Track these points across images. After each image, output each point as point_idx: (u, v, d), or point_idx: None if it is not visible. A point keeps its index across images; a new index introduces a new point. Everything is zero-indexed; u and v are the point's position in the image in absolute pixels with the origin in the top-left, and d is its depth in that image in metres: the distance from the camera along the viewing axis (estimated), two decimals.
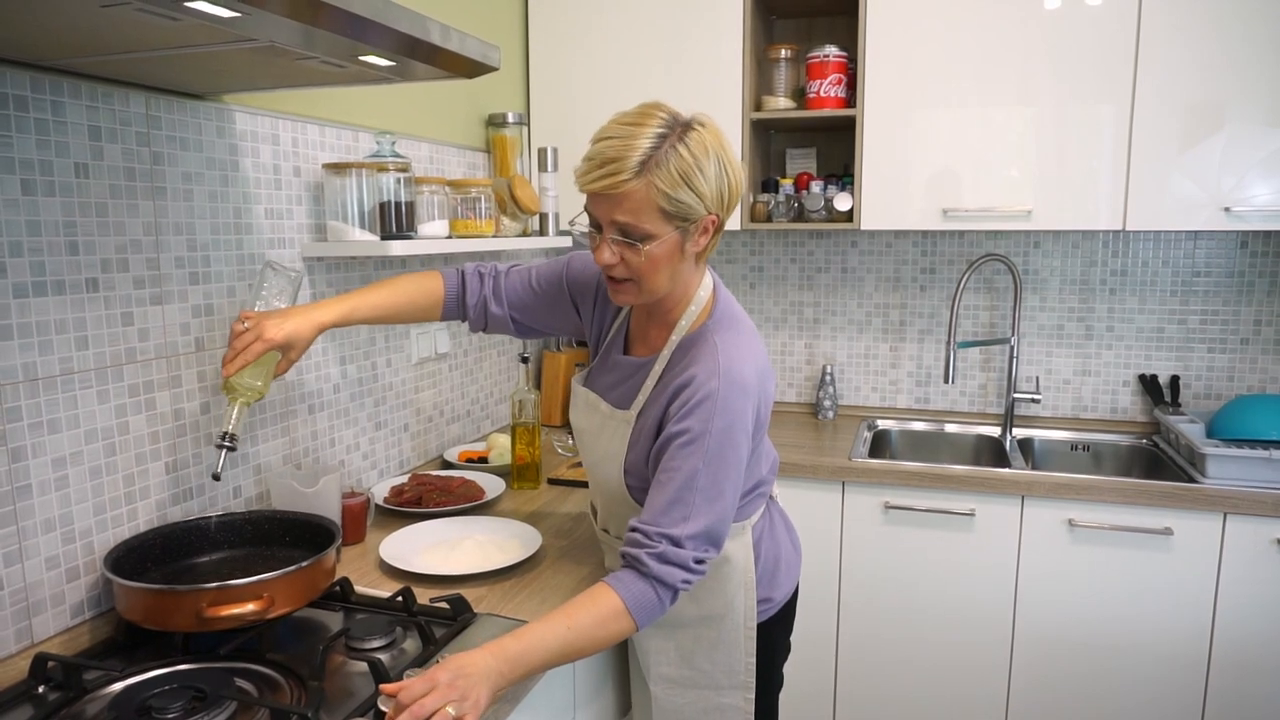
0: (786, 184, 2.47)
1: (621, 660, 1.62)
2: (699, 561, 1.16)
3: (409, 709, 0.95)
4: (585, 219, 1.20)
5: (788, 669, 1.52)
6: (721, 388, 1.16)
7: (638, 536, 1.16)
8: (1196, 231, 2.38)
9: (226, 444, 1.26)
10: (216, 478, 1.25)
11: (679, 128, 1.14)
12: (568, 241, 2.24)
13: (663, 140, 1.12)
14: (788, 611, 1.46)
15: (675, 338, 1.26)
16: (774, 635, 1.42)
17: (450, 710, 0.97)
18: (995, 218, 2.21)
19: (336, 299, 1.35)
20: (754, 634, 1.35)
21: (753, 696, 1.37)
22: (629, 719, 1.65)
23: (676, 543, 1.14)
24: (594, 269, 1.38)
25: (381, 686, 1.01)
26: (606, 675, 1.56)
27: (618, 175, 1.10)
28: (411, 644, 1.23)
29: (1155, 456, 2.29)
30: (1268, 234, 2.35)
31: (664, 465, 1.18)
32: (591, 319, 1.42)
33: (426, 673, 1.00)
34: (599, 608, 1.11)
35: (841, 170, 2.59)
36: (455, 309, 1.46)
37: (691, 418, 1.16)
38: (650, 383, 1.27)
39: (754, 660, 1.36)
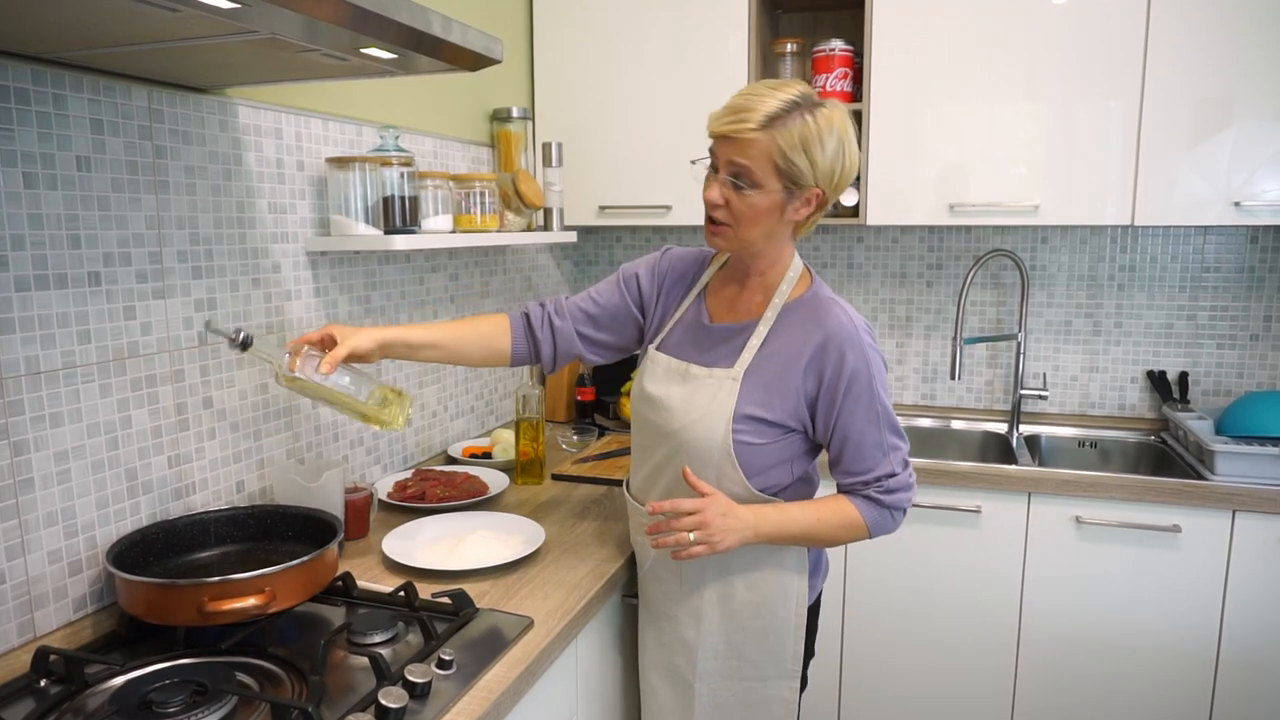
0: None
1: (630, 659, 1.61)
2: (911, 475, 1.31)
3: (671, 507, 1.20)
4: (707, 160, 1.29)
5: None
6: (862, 334, 1.28)
7: (856, 485, 1.30)
8: (1206, 227, 2.36)
9: (239, 340, 1.25)
10: (242, 345, 1.25)
11: (812, 103, 1.23)
12: (572, 237, 2.23)
13: (795, 108, 1.21)
14: (817, 603, 1.47)
15: (778, 301, 1.33)
16: (812, 623, 1.45)
17: (691, 536, 1.19)
18: (1002, 213, 2.19)
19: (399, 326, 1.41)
20: (804, 619, 1.38)
21: (798, 685, 1.39)
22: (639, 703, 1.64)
23: (892, 475, 1.29)
24: (646, 267, 1.48)
25: (654, 505, 1.23)
26: (607, 675, 1.56)
27: (745, 123, 1.20)
28: (414, 639, 1.22)
29: (1163, 453, 2.28)
30: (1278, 229, 2.33)
31: (843, 421, 1.28)
32: (655, 307, 1.47)
33: (706, 495, 1.23)
34: (844, 515, 1.29)
35: None
36: (524, 340, 1.48)
37: (849, 363, 1.25)
38: (755, 342, 1.31)
39: (802, 647, 1.39)
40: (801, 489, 1.37)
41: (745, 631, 1.37)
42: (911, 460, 1.33)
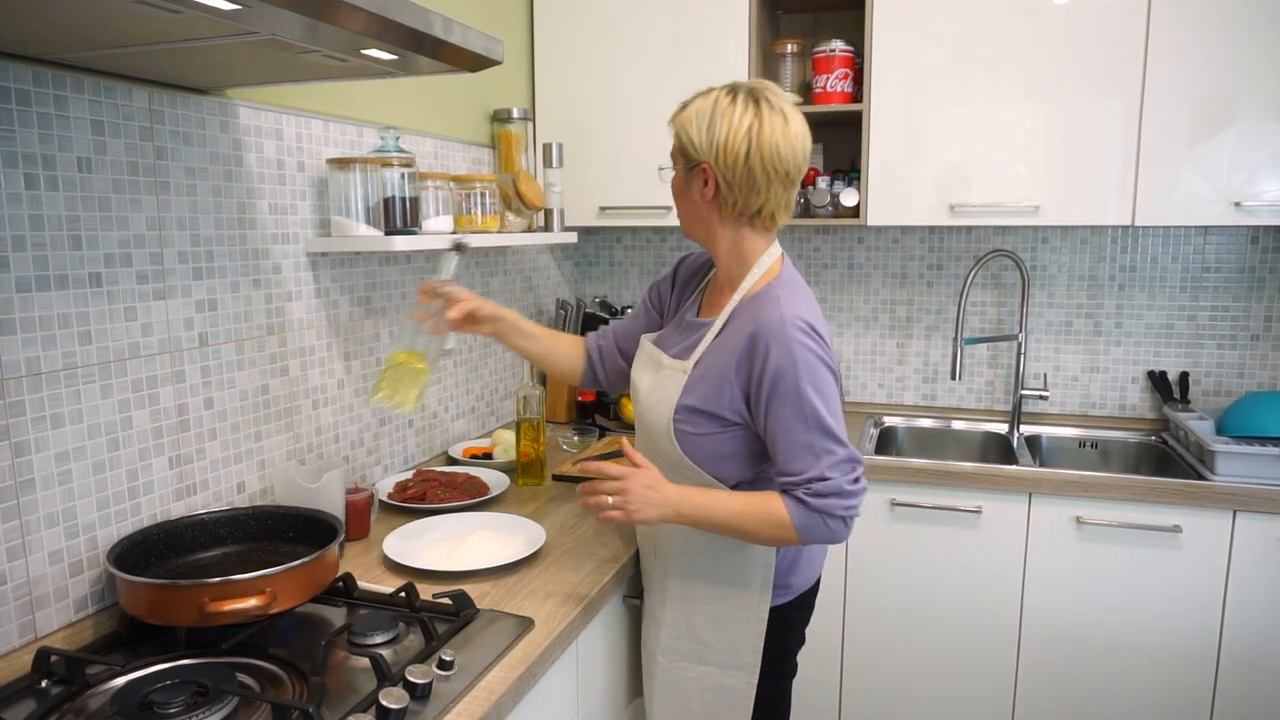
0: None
1: (629, 659, 1.61)
2: (853, 483, 1.25)
3: (596, 470, 1.28)
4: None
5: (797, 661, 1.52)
6: (790, 329, 1.24)
7: (788, 484, 1.26)
8: (1206, 227, 2.36)
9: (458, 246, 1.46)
10: (459, 247, 1.48)
11: (727, 89, 1.30)
12: (573, 237, 2.23)
13: (706, 94, 1.32)
14: (807, 600, 1.48)
15: (737, 298, 1.35)
16: (792, 621, 1.46)
17: (610, 500, 1.25)
18: (1003, 213, 2.19)
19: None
20: (765, 619, 1.38)
21: (755, 680, 1.40)
22: (640, 701, 1.64)
23: (821, 478, 1.23)
24: (668, 275, 1.57)
25: (584, 465, 1.32)
26: (608, 676, 1.56)
27: (674, 113, 1.36)
28: (414, 640, 1.22)
29: (1164, 454, 2.27)
30: (1279, 229, 2.33)
31: (771, 419, 1.26)
32: (669, 305, 1.55)
33: (636, 465, 1.29)
34: (770, 511, 1.25)
35: (848, 166, 2.57)
36: (588, 364, 1.65)
37: (773, 360, 1.24)
38: (709, 336, 1.35)
39: (761, 644, 1.38)
40: (768, 488, 1.32)
41: (705, 616, 1.40)
42: (861, 467, 1.27)
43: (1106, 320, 2.49)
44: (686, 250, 2.81)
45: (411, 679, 1.06)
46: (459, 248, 1.48)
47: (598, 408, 2.48)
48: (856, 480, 1.25)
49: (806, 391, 1.23)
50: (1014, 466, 2.09)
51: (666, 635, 1.43)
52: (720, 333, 1.34)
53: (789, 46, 2.38)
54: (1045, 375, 2.54)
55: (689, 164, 1.32)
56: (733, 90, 1.29)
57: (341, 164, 1.62)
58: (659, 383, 1.39)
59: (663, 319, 1.56)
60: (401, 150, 1.65)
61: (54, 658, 1.11)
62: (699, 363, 1.34)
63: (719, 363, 1.31)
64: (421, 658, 1.15)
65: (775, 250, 1.37)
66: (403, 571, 1.45)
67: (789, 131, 1.28)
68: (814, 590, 1.50)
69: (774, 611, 1.39)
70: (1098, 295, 2.49)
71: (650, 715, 1.49)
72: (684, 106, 1.34)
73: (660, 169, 1.43)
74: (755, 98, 1.28)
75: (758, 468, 1.35)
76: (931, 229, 2.59)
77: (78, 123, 1.21)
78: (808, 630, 1.52)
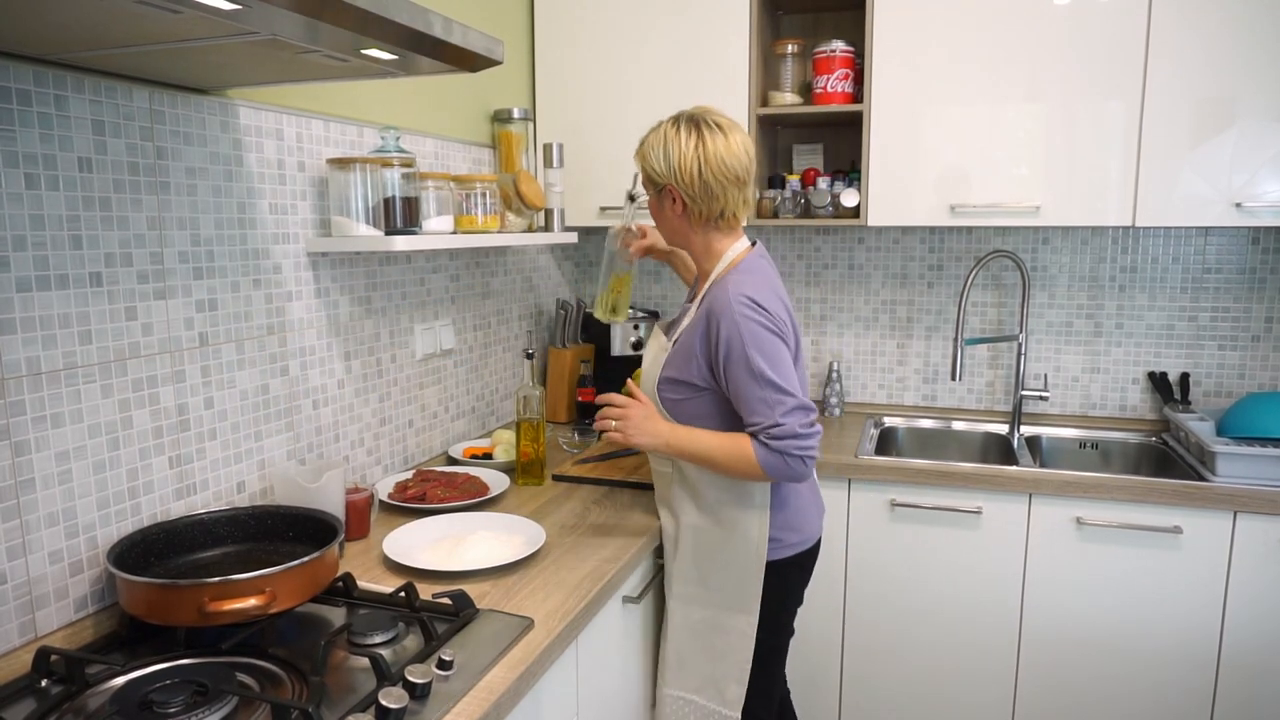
0: (793, 180, 2.46)
1: (630, 659, 1.61)
2: (806, 426, 1.46)
3: (605, 400, 1.56)
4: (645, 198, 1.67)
5: (795, 657, 1.55)
6: (734, 305, 1.47)
7: (753, 431, 1.48)
8: (1207, 228, 2.36)
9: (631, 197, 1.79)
10: (631, 198, 1.80)
11: (669, 120, 1.56)
12: (573, 237, 2.23)
13: (654, 130, 1.57)
14: (805, 562, 1.66)
15: (707, 285, 1.59)
16: (789, 578, 1.64)
17: (614, 424, 1.54)
18: (1003, 214, 2.19)
19: None
20: (763, 564, 1.58)
21: (755, 622, 1.59)
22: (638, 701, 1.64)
23: (776, 425, 1.45)
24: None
25: (601, 397, 1.58)
26: (607, 676, 1.56)
27: (636, 150, 1.60)
28: (414, 640, 1.22)
29: (1164, 454, 2.27)
30: (1279, 230, 2.33)
31: (730, 382, 1.49)
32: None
33: (635, 398, 1.57)
34: (740, 448, 1.48)
35: (848, 166, 2.57)
36: None
37: (723, 332, 1.47)
38: (687, 318, 1.60)
39: (760, 589, 1.58)
40: None
41: (711, 562, 1.60)
42: (814, 414, 1.48)
43: (1107, 321, 2.49)
44: None
45: (411, 679, 1.06)
46: (632, 198, 1.82)
47: (598, 408, 2.47)
48: (811, 425, 1.47)
49: (753, 355, 1.45)
50: (1014, 467, 2.09)
51: (678, 582, 1.63)
52: (694, 314, 1.57)
53: (789, 47, 2.38)
54: (1046, 376, 2.54)
55: (657, 188, 1.57)
56: (676, 120, 1.54)
57: (342, 164, 1.62)
58: (652, 358, 1.65)
59: None
60: (402, 150, 1.66)
61: (54, 657, 1.11)
62: (676, 340, 1.59)
63: (688, 339, 1.55)
64: (421, 658, 1.15)
65: (742, 244, 1.61)
66: (402, 571, 1.45)
67: (730, 144, 1.52)
68: (811, 555, 1.67)
69: (772, 566, 1.59)
70: (1098, 296, 2.49)
71: (664, 655, 1.66)
72: (641, 143, 1.58)
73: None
74: (695, 123, 1.52)
75: (730, 426, 1.54)
76: (932, 229, 2.59)
77: (78, 122, 1.21)
78: (802, 633, 1.56)
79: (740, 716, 1.62)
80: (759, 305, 1.47)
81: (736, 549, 1.58)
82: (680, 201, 1.55)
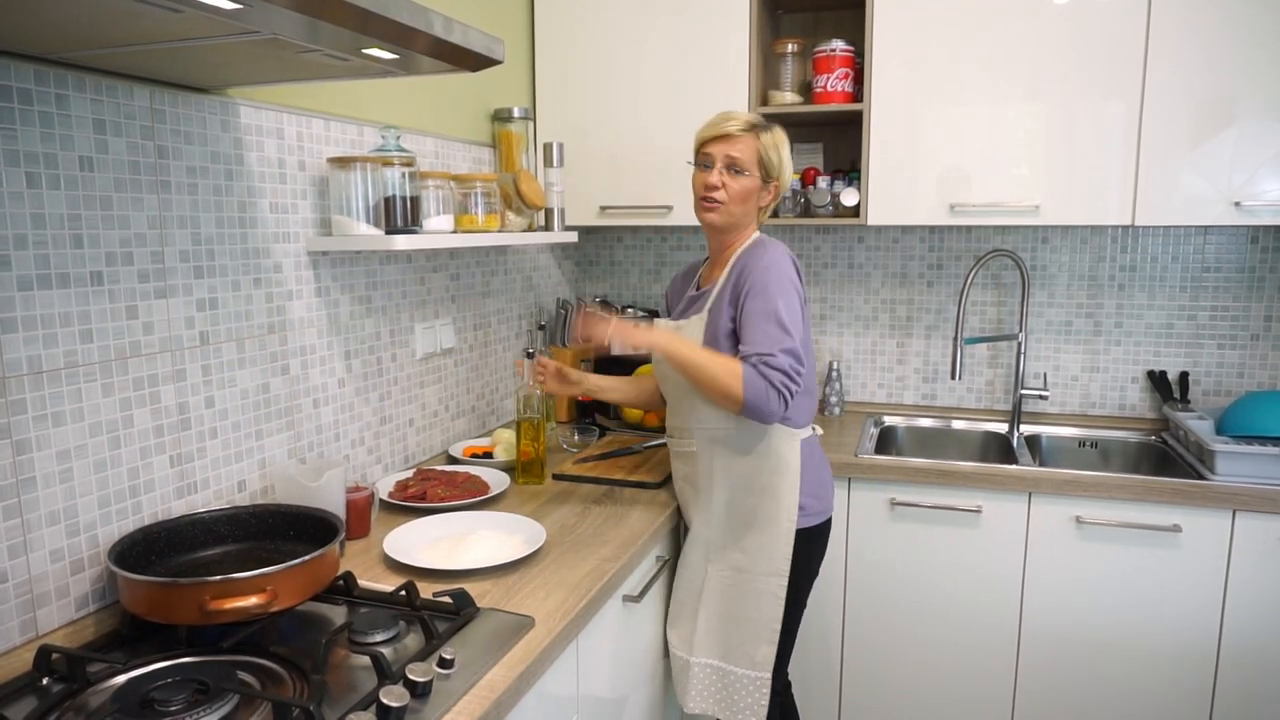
0: (793, 179, 2.46)
1: (630, 658, 1.61)
2: (795, 369, 1.55)
3: (586, 315, 1.63)
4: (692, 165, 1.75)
5: (796, 655, 1.60)
6: (760, 256, 1.64)
7: (746, 354, 1.56)
8: (1206, 227, 2.36)
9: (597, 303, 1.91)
10: (529, 354, 1.90)
11: (768, 123, 1.71)
12: (573, 237, 2.23)
13: (763, 122, 1.70)
14: (820, 535, 1.76)
15: (734, 256, 1.71)
16: (808, 548, 1.73)
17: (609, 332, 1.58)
18: (1003, 213, 2.19)
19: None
20: (793, 528, 1.68)
21: (785, 584, 1.68)
22: (638, 698, 1.64)
23: (772, 356, 1.54)
24: (663, 307, 1.93)
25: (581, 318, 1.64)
26: (608, 675, 1.56)
27: (734, 127, 1.67)
28: (414, 639, 1.22)
29: (1164, 453, 2.28)
30: (1279, 229, 2.33)
31: (744, 314, 1.60)
32: (673, 311, 1.86)
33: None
34: (730, 363, 1.56)
35: (848, 165, 2.57)
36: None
37: (750, 280, 1.61)
38: (716, 290, 1.70)
39: (790, 551, 1.68)
40: None
41: (746, 526, 1.70)
42: (805, 367, 1.58)
43: (1106, 320, 2.49)
44: (685, 250, 2.83)
45: (412, 677, 1.06)
46: (530, 355, 1.93)
47: (598, 407, 2.48)
48: (799, 374, 1.56)
49: (774, 297, 1.57)
50: (1014, 466, 2.09)
51: (719, 550, 1.72)
52: (724, 279, 1.68)
53: (789, 46, 2.38)
54: (1045, 375, 2.55)
55: (765, 177, 1.69)
56: (770, 126, 1.69)
57: (342, 163, 1.62)
58: (684, 333, 1.70)
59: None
60: (402, 149, 1.66)
61: (55, 655, 1.11)
62: (711, 310, 1.69)
63: (720, 300, 1.67)
64: (422, 656, 1.15)
65: (759, 234, 1.78)
66: (403, 570, 1.45)
67: None
68: (825, 529, 1.77)
69: (798, 534, 1.68)
70: (1098, 295, 2.49)
71: (698, 618, 1.74)
72: (758, 128, 1.67)
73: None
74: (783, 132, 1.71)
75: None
76: (932, 229, 2.59)
77: (79, 121, 1.21)
78: (803, 632, 1.58)
79: (771, 677, 1.69)
80: (779, 255, 1.63)
81: (767, 518, 1.68)
82: (773, 196, 1.73)
